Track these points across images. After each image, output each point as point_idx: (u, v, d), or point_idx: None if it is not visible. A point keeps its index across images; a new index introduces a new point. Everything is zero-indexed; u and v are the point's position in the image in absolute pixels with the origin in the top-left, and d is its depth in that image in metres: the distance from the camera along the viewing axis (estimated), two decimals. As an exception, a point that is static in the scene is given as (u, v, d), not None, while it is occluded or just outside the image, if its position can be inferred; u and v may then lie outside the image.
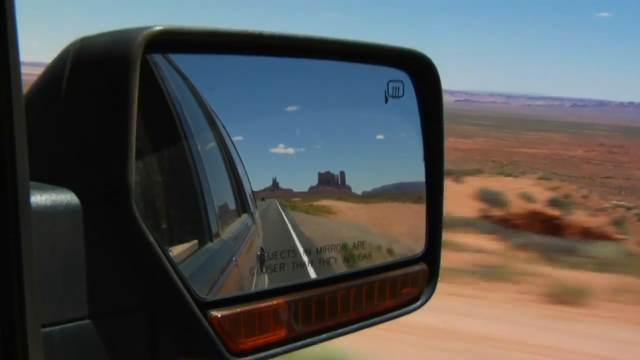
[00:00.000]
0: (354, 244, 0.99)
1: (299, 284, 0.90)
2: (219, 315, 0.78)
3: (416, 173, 1.10)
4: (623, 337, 7.21)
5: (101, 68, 0.74)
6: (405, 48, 1.05)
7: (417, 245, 1.10)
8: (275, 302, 0.85)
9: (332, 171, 0.95)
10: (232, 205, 0.91)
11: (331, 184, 0.95)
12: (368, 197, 1.02)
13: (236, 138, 0.86)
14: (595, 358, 6.50)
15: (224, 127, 0.86)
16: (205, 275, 0.81)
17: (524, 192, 27.27)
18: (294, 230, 0.91)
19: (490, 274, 9.68)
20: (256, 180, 0.87)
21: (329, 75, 1.00)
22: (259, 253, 0.88)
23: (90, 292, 0.71)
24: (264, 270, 0.88)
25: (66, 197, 0.71)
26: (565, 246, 13.61)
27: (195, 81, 0.83)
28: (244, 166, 0.86)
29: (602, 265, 11.01)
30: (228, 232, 0.88)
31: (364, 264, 1.00)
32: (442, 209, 1.10)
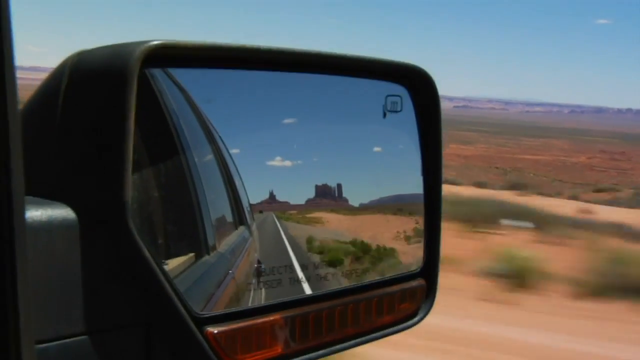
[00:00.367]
0: (351, 258, 0.99)
1: (296, 299, 0.90)
2: (215, 331, 0.77)
3: (414, 185, 1.10)
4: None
5: (98, 82, 0.74)
6: (403, 63, 1.05)
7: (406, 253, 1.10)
8: (272, 317, 0.84)
9: (329, 184, 0.95)
10: (229, 218, 0.91)
11: (328, 197, 0.95)
12: (362, 210, 1.02)
13: (233, 151, 0.86)
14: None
15: (221, 140, 0.86)
16: (202, 289, 0.81)
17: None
18: (290, 243, 0.91)
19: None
20: (253, 193, 0.87)
21: (326, 89, 1.00)
22: (255, 266, 0.88)
23: (85, 308, 0.70)
24: (260, 285, 0.87)
25: (62, 212, 0.70)
26: None
27: (193, 94, 0.83)
28: (241, 179, 0.86)
29: None
30: (225, 245, 0.88)
31: (361, 279, 1.00)
32: (440, 225, 1.10)
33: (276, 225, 0.89)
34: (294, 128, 0.94)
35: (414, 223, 1.11)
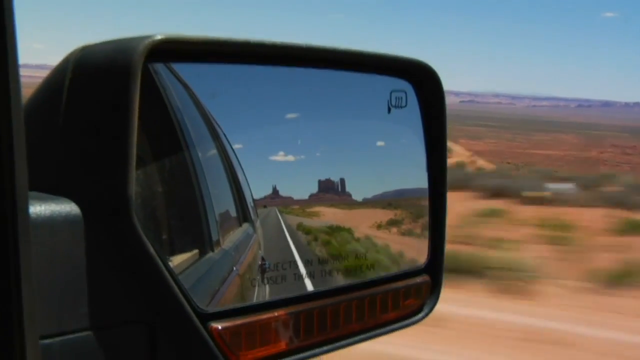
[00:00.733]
0: (356, 254, 0.99)
1: (301, 295, 0.89)
2: (220, 327, 0.77)
3: (417, 180, 1.10)
4: None
5: (102, 77, 0.73)
6: (408, 58, 1.04)
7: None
8: (276, 313, 0.84)
9: (332, 178, 0.95)
10: (233, 214, 0.91)
11: (331, 191, 0.95)
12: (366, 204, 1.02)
13: (237, 146, 0.86)
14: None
15: (225, 136, 0.86)
16: (206, 285, 0.81)
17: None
18: (292, 239, 0.90)
19: None
20: (257, 188, 0.87)
21: (331, 84, 0.99)
22: (260, 262, 0.88)
23: (89, 303, 0.70)
24: (264, 281, 0.87)
25: (66, 208, 0.70)
26: None
27: (196, 90, 0.83)
28: (244, 174, 0.86)
29: None
30: (229, 241, 0.88)
31: (365, 275, 1.00)
32: (445, 220, 1.10)
33: (279, 220, 0.89)
34: (297, 123, 0.93)
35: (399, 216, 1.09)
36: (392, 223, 1.07)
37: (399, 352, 5.13)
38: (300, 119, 0.94)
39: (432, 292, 1.08)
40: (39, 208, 0.68)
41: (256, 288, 0.86)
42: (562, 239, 10.27)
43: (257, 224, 0.88)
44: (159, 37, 0.72)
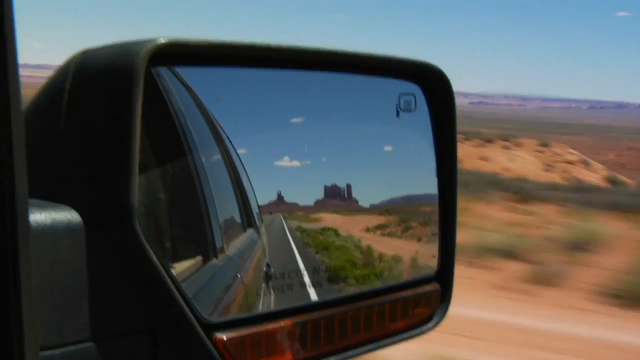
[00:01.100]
0: (365, 261, 0.97)
1: (307, 305, 0.88)
2: (225, 338, 0.75)
3: (426, 185, 1.08)
4: None
5: (104, 82, 0.72)
6: (417, 60, 1.02)
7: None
8: (282, 323, 0.82)
9: (338, 184, 0.93)
10: (237, 220, 0.90)
11: (337, 197, 0.93)
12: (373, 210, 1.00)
13: (241, 151, 0.85)
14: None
15: (229, 140, 0.85)
16: (210, 294, 0.79)
17: None
18: (297, 247, 0.89)
19: None
20: (261, 193, 0.85)
21: (337, 87, 0.98)
22: (264, 269, 0.87)
23: (91, 313, 0.69)
24: (270, 289, 0.86)
25: (67, 215, 0.69)
26: None
27: (200, 93, 0.82)
28: (249, 179, 0.85)
29: None
30: (233, 247, 0.87)
31: (374, 284, 0.98)
32: (456, 227, 1.08)
33: (284, 227, 0.87)
34: (303, 127, 0.92)
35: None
36: (405, 229, 1.06)
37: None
38: (306, 123, 0.93)
39: (443, 300, 1.06)
40: (39, 216, 0.67)
41: (261, 296, 0.85)
42: None
43: (262, 229, 0.87)
44: (162, 40, 0.71)
